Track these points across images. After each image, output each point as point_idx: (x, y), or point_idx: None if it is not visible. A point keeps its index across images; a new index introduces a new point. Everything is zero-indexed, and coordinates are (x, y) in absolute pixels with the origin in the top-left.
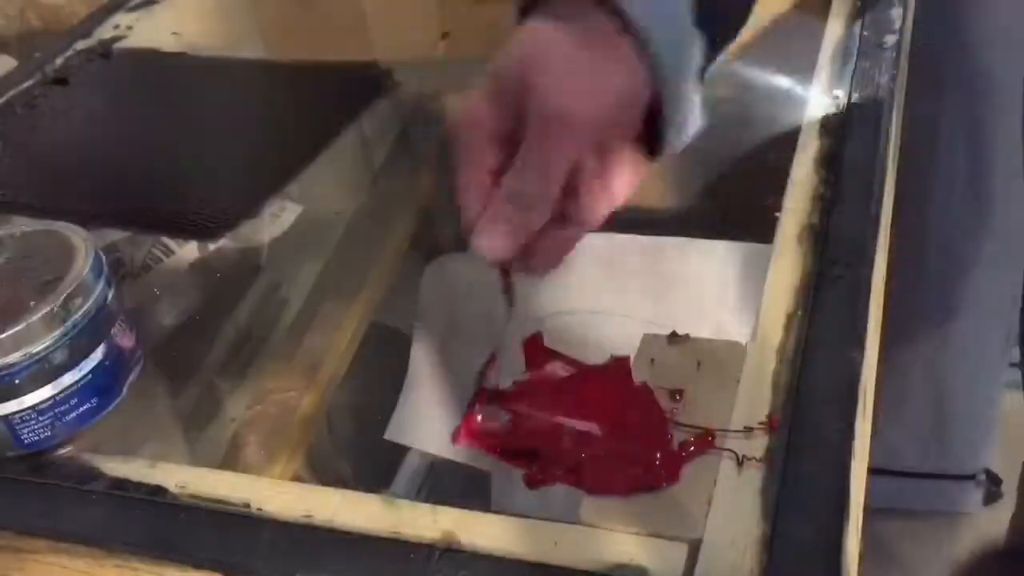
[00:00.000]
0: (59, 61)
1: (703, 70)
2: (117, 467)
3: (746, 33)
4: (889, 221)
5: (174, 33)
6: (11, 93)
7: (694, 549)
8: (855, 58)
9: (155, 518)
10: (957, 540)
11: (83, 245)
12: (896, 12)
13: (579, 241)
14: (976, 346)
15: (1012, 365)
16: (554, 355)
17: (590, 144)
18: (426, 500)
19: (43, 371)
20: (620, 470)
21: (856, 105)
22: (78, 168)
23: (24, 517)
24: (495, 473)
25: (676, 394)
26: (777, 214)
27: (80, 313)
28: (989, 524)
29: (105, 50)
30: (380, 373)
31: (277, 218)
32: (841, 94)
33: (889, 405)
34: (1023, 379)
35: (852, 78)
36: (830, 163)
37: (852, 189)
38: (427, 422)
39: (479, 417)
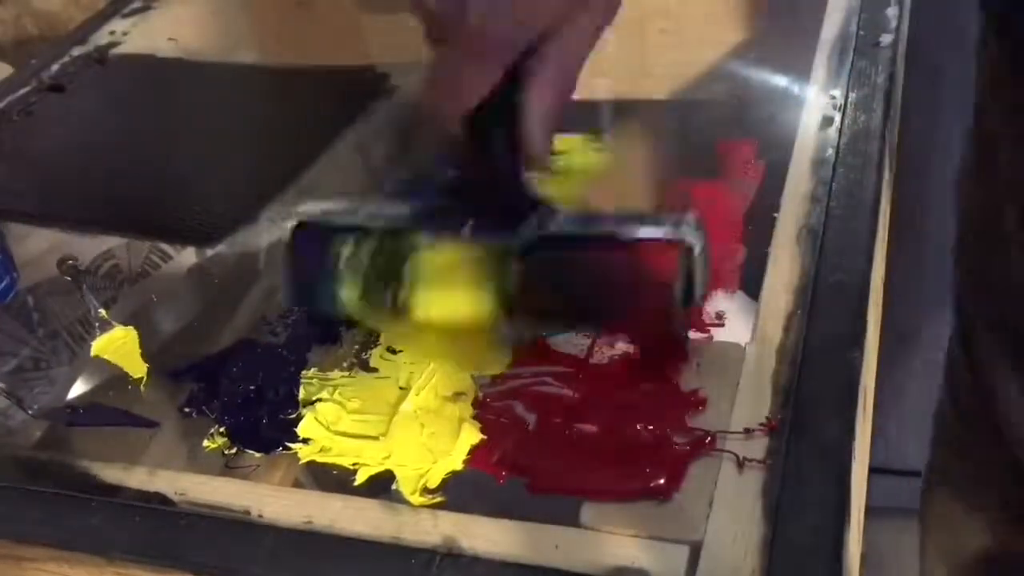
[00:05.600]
0: (55, 67)
1: None
2: (117, 474)
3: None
4: (888, 221)
5: (170, 39)
6: (7, 100)
7: (695, 552)
8: (852, 57)
9: (155, 525)
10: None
11: None
12: (892, 11)
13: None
14: None
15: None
16: (555, 355)
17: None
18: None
19: None
20: (622, 475)
21: (853, 104)
22: (75, 174)
23: (24, 525)
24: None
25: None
26: (776, 214)
27: None
28: None
29: (101, 56)
30: None
31: (275, 223)
32: (838, 94)
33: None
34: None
35: (849, 77)
36: (828, 163)
37: (851, 189)
38: None
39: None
